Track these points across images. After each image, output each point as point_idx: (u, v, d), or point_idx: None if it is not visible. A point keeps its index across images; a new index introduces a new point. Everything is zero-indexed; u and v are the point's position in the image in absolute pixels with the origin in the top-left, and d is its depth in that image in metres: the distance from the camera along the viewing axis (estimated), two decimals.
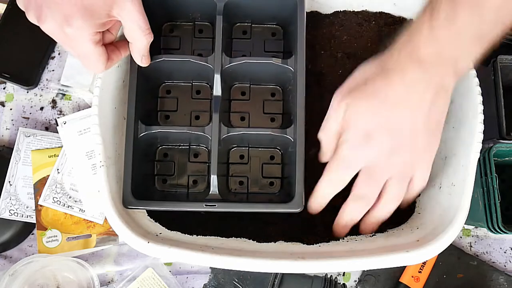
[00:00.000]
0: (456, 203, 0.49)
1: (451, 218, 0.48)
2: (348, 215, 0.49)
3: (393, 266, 0.47)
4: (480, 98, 0.50)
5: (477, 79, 0.50)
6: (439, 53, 0.42)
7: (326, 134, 0.49)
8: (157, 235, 0.50)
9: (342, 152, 0.47)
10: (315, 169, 0.51)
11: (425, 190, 0.53)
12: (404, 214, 0.54)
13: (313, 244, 0.52)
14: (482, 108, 0.49)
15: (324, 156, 0.50)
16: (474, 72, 0.51)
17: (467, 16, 0.40)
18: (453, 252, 0.65)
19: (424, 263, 0.63)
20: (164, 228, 0.53)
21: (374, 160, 0.46)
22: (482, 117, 0.49)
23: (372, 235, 0.53)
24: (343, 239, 0.52)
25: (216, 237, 0.53)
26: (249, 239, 0.53)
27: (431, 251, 0.47)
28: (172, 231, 0.52)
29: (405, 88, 0.43)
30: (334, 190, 0.49)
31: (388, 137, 0.45)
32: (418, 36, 0.42)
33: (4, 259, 0.63)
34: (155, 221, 0.53)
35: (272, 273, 0.56)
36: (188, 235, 0.52)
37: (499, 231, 0.56)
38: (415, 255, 0.47)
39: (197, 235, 0.53)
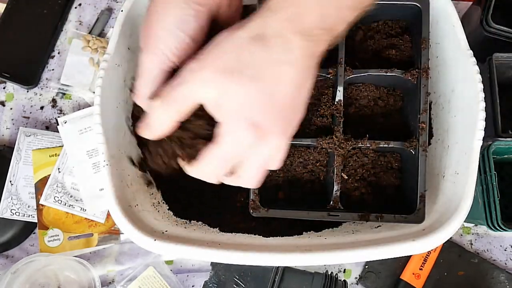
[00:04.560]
0: (460, 191, 0.49)
1: (455, 206, 0.49)
2: None
3: (400, 256, 0.47)
4: (481, 86, 0.49)
5: (477, 67, 0.50)
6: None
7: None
8: (163, 232, 0.50)
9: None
10: None
11: (429, 179, 0.53)
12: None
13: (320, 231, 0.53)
14: (483, 95, 0.49)
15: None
16: (474, 60, 0.51)
17: None
18: (454, 249, 0.65)
19: (425, 260, 0.64)
20: (170, 224, 0.53)
21: None
22: (483, 104, 0.49)
23: (377, 227, 0.53)
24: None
25: (222, 233, 0.53)
26: (255, 234, 0.53)
27: (437, 239, 0.47)
28: (178, 228, 0.53)
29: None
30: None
31: None
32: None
33: (5, 258, 0.64)
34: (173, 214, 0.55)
35: (272, 270, 0.56)
36: (194, 232, 0.53)
37: (498, 228, 0.56)
38: (422, 243, 0.47)
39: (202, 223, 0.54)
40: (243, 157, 0.39)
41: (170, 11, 0.40)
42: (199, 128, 0.42)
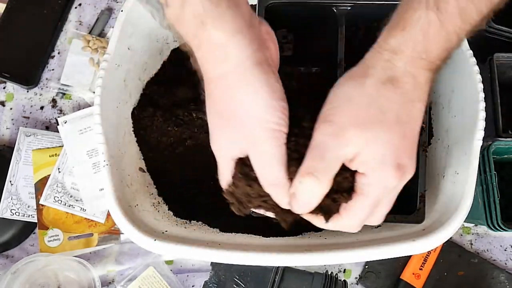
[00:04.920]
0: (461, 191, 0.49)
1: (456, 206, 0.49)
2: None
3: (401, 256, 0.47)
4: (481, 86, 0.49)
5: (477, 67, 0.50)
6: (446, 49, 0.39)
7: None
8: (163, 232, 0.50)
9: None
10: None
11: (429, 179, 0.53)
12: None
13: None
14: (483, 96, 0.49)
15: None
16: (474, 60, 0.51)
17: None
18: (454, 249, 0.65)
19: (425, 260, 0.64)
20: (170, 224, 0.53)
21: None
22: (483, 104, 0.49)
23: (377, 226, 0.53)
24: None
25: (222, 233, 0.53)
26: (255, 234, 0.53)
27: (437, 239, 0.47)
28: (178, 228, 0.53)
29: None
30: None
31: None
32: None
33: (5, 258, 0.64)
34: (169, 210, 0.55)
35: (272, 270, 0.56)
36: (194, 232, 0.53)
37: (498, 228, 0.56)
38: (422, 243, 0.47)
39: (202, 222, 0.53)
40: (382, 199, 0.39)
41: (255, 85, 0.38)
42: (344, 182, 0.39)
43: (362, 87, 0.37)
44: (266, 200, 0.41)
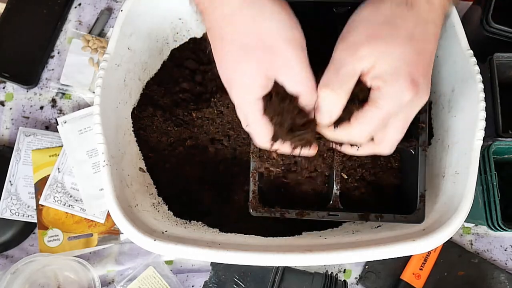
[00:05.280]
0: (461, 191, 0.49)
1: (456, 206, 0.49)
2: None
3: (401, 256, 0.47)
4: (481, 86, 0.50)
5: (478, 67, 0.50)
6: None
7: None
8: (163, 232, 0.50)
9: None
10: None
11: (429, 179, 0.53)
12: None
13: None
14: (484, 95, 0.50)
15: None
16: (474, 60, 0.51)
17: None
18: (454, 249, 0.65)
19: (425, 260, 0.64)
20: (170, 224, 0.53)
21: None
22: (484, 104, 0.49)
23: (378, 227, 0.53)
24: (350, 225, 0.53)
25: (222, 233, 0.53)
26: (255, 234, 0.53)
27: (437, 240, 0.47)
28: (178, 228, 0.53)
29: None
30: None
31: None
32: None
33: (5, 258, 0.63)
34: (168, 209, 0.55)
35: (272, 270, 0.56)
36: (194, 232, 0.53)
37: (498, 228, 0.56)
38: (422, 243, 0.47)
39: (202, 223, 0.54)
40: (393, 117, 0.41)
41: (276, 12, 0.40)
42: (359, 93, 0.41)
43: (377, 10, 0.40)
44: (305, 128, 0.44)
